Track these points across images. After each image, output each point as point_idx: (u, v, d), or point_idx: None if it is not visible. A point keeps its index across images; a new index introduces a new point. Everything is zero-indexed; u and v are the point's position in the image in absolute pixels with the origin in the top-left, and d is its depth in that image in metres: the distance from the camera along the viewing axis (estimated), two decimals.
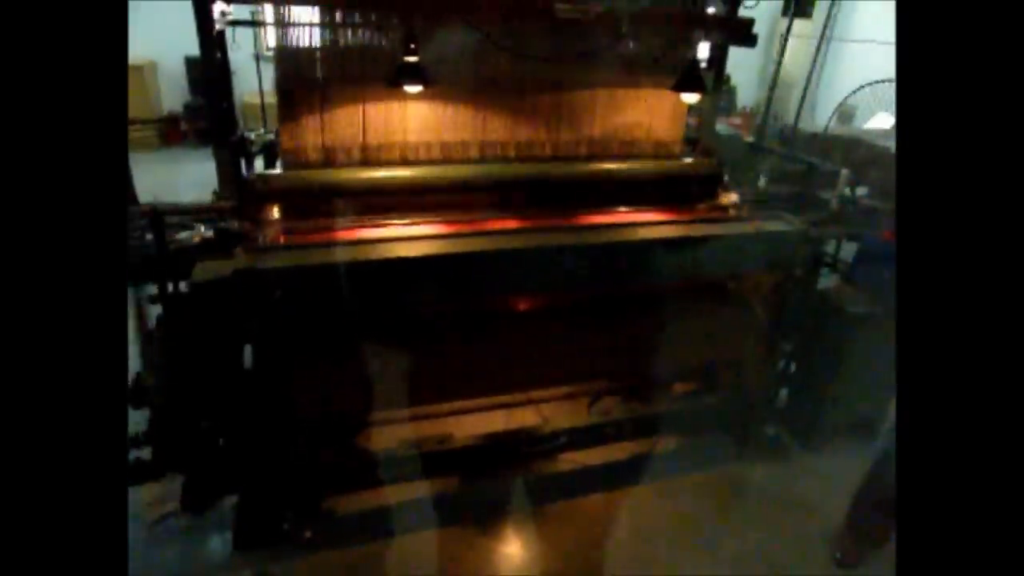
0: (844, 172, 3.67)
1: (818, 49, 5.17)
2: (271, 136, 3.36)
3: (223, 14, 2.63)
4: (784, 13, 9.60)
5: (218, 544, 2.85)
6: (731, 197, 3.37)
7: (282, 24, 2.70)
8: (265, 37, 8.07)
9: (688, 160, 3.53)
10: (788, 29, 5.52)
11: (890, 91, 6.17)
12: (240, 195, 2.74)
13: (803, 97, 5.26)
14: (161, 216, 2.41)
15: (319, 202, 2.87)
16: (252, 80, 6.25)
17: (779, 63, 6.17)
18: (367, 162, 2.99)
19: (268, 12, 2.74)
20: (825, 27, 5.53)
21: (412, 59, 2.57)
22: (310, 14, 2.72)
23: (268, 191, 2.80)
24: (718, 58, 3.50)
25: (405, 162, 3.04)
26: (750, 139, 6.04)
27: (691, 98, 3.17)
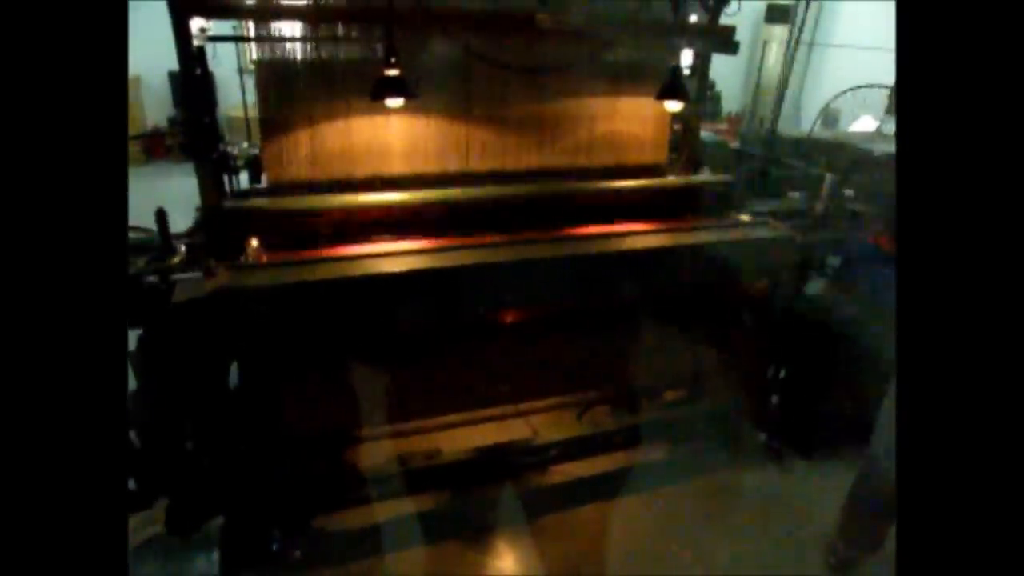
0: (829, 177, 3.68)
1: (789, 53, 5.24)
2: (255, 150, 3.33)
3: (202, 30, 2.61)
4: (767, 20, 9.70)
5: (205, 567, 2.80)
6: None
7: (263, 39, 2.69)
8: (250, 50, 8.04)
9: (672, 178, 3.52)
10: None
11: (873, 95, 6.22)
12: (218, 225, 2.69)
13: (775, 100, 5.30)
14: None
15: (303, 223, 2.83)
16: (236, 93, 6.22)
17: (760, 68, 6.23)
18: (351, 176, 2.97)
19: (250, 26, 2.72)
20: (799, 31, 5.58)
21: (393, 72, 2.56)
22: (291, 28, 2.71)
23: (248, 220, 2.74)
24: (701, 65, 3.51)
25: (389, 178, 3.02)
26: (735, 145, 6.07)
27: (674, 106, 3.17)
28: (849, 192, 3.93)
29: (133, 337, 2.46)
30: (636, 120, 3.40)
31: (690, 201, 3.47)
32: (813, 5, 8.88)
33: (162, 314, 2.30)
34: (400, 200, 2.93)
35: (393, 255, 2.65)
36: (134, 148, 8.95)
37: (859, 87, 6.12)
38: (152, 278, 2.41)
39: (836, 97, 6.36)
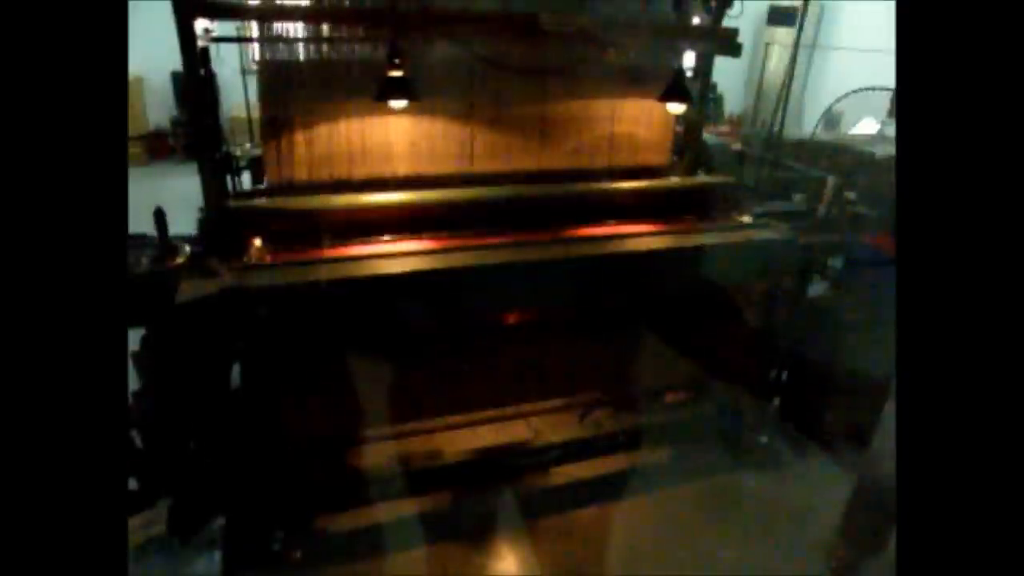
0: (831, 179, 3.69)
1: (794, 57, 5.21)
2: (258, 151, 3.34)
3: (206, 31, 2.61)
4: (770, 22, 9.70)
5: (207, 567, 2.80)
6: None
7: (266, 40, 2.69)
8: (252, 51, 8.05)
9: (678, 178, 3.52)
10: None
11: (876, 97, 6.23)
12: (222, 225, 2.69)
13: (773, 102, 5.25)
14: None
15: (305, 223, 2.84)
16: (239, 94, 6.23)
17: (763, 71, 6.24)
18: (353, 178, 2.97)
19: (253, 28, 2.73)
20: (799, 35, 5.57)
21: (397, 74, 2.56)
22: (295, 30, 2.71)
23: (251, 220, 2.74)
24: (704, 67, 3.51)
25: (391, 179, 3.02)
26: (737, 147, 6.07)
27: (677, 108, 3.17)
28: (851, 194, 3.94)
29: (135, 337, 2.47)
30: (639, 122, 3.40)
31: (692, 202, 3.46)
32: (815, 7, 8.89)
33: (166, 314, 2.30)
34: (402, 200, 2.93)
35: (396, 256, 2.65)
36: (136, 149, 8.97)
37: (861, 90, 6.13)
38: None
39: (839, 100, 6.36)
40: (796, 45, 5.13)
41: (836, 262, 3.78)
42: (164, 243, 2.49)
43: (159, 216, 2.46)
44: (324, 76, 2.79)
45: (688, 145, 3.65)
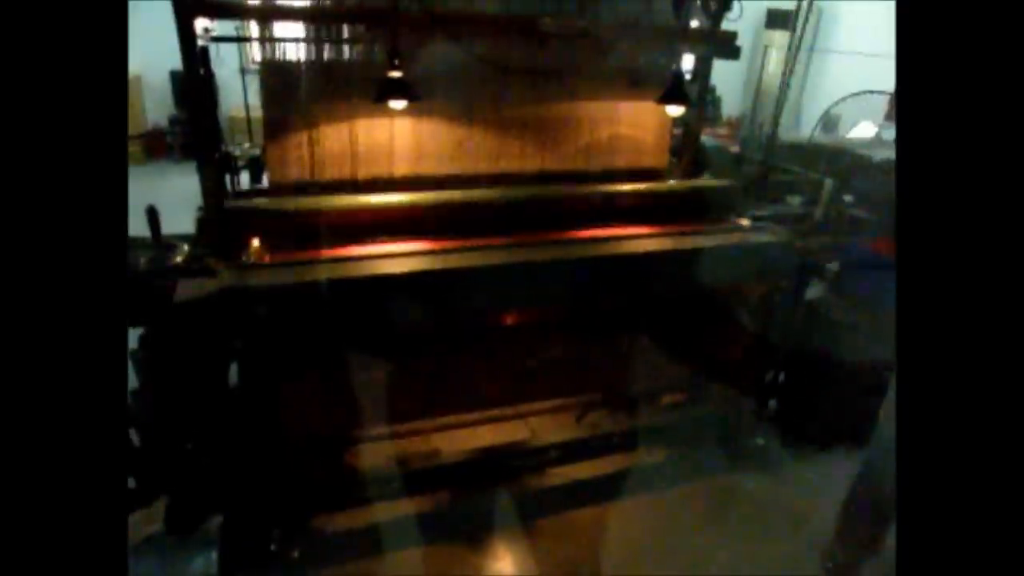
0: (828, 182, 3.70)
1: (795, 58, 5.24)
2: (257, 151, 3.34)
3: (206, 30, 2.61)
4: (767, 25, 9.72)
5: (204, 566, 2.80)
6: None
7: (267, 40, 2.69)
8: (251, 51, 8.04)
9: (673, 182, 3.53)
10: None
11: (873, 101, 6.24)
12: (222, 226, 2.68)
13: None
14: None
15: (304, 224, 2.83)
16: (238, 94, 6.23)
17: (761, 74, 6.25)
18: (353, 178, 2.97)
19: (253, 27, 2.73)
20: (799, 37, 5.59)
21: (397, 75, 2.56)
22: (295, 30, 2.72)
23: (250, 221, 2.73)
24: (702, 70, 3.52)
25: (391, 180, 3.02)
26: (735, 150, 6.07)
27: (676, 111, 3.18)
28: (849, 197, 3.95)
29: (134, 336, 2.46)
30: (638, 124, 3.40)
31: (691, 205, 3.46)
32: (812, 9, 8.91)
33: (164, 313, 2.29)
34: (401, 201, 2.93)
35: (395, 256, 2.65)
36: (135, 147, 8.96)
37: (859, 93, 6.13)
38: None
39: (836, 103, 6.37)
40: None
41: (833, 265, 3.79)
42: (157, 242, 2.48)
43: (151, 215, 2.45)
44: (325, 77, 2.79)
45: (686, 147, 3.66)
